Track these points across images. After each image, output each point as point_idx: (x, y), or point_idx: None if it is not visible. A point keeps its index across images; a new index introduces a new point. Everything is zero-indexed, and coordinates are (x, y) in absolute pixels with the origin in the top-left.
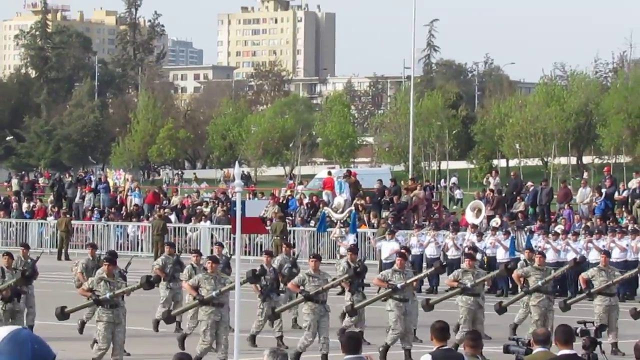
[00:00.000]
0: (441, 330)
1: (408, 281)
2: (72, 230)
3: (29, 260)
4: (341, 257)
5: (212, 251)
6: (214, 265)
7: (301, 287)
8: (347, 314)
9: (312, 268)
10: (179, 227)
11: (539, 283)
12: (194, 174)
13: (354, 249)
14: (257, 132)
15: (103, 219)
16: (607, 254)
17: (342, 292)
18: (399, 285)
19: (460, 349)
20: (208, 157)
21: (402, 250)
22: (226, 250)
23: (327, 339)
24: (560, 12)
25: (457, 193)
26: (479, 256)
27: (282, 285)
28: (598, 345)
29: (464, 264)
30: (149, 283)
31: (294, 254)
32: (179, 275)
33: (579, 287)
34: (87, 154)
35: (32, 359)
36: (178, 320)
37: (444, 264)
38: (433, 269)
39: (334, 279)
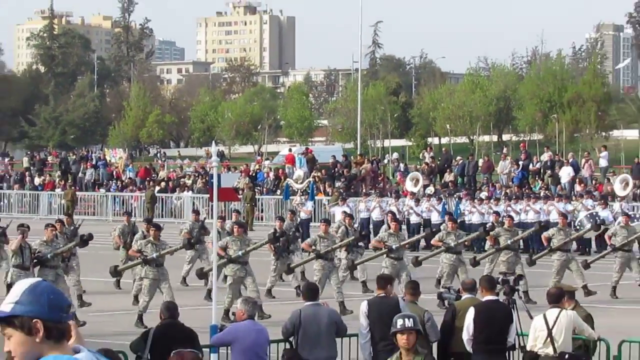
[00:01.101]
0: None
1: (402, 243)
2: (76, 199)
3: (72, 227)
4: (301, 220)
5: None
6: (240, 229)
7: (313, 247)
8: (348, 269)
9: (323, 230)
10: (165, 197)
11: (508, 242)
12: (178, 152)
13: (350, 215)
14: (231, 117)
15: (102, 189)
16: (564, 216)
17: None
18: (394, 246)
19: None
20: (189, 138)
21: (397, 216)
22: (204, 216)
23: (340, 289)
24: (483, 12)
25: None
26: (417, 219)
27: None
28: (516, 292)
29: (448, 227)
30: (190, 244)
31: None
32: (204, 238)
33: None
34: (88, 136)
35: (47, 307)
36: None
37: (433, 230)
38: (425, 233)
39: (341, 240)
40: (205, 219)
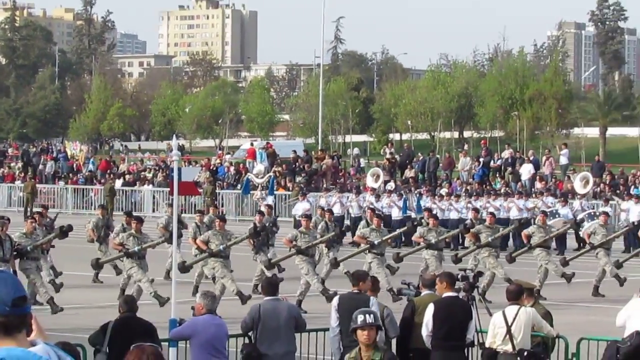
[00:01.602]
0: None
1: (384, 238)
2: (36, 192)
3: (49, 219)
4: (259, 212)
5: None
6: (222, 223)
7: (294, 242)
8: (331, 266)
9: (304, 226)
10: (125, 190)
11: (489, 239)
12: (138, 145)
13: (331, 210)
14: (192, 111)
15: (61, 182)
16: (545, 214)
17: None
18: (376, 242)
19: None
20: (150, 131)
21: (379, 212)
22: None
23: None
24: (445, 9)
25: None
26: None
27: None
28: (476, 289)
29: (430, 223)
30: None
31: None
32: (181, 232)
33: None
34: (49, 129)
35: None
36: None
37: (415, 223)
38: (405, 227)
39: (322, 236)
40: (182, 212)
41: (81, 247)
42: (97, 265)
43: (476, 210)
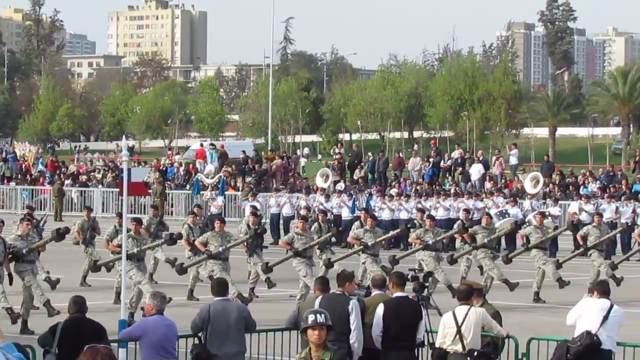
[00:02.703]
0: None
1: (378, 239)
2: None
3: (35, 220)
4: (211, 215)
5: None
6: (222, 224)
7: (290, 244)
8: (325, 267)
9: (300, 228)
10: (75, 191)
11: (485, 240)
12: (85, 145)
13: (255, 213)
14: (141, 111)
15: (12, 183)
16: (542, 214)
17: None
18: (369, 243)
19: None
20: (100, 132)
21: (373, 212)
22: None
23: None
24: (395, 9)
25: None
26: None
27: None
28: (425, 289)
29: (426, 224)
30: (172, 240)
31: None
32: (162, 233)
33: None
34: None
35: None
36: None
37: (409, 226)
38: (399, 229)
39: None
40: (163, 214)
41: (67, 249)
42: (95, 268)
43: (467, 211)
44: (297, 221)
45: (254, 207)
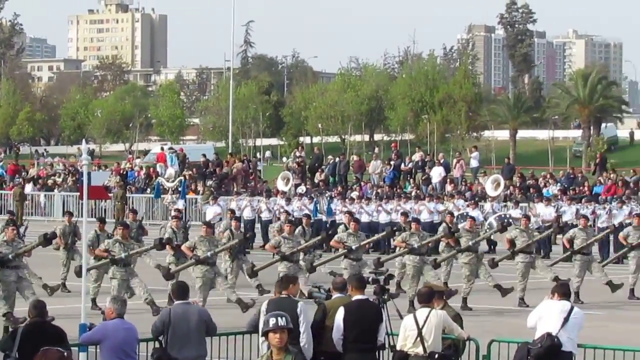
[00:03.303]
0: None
1: (361, 243)
2: None
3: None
4: (235, 218)
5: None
6: (209, 229)
7: (277, 249)
8: (307, 271)
9: (287, 232)
10: (35, 195)
11: (470, 243)
12: (45, 149)
13: (237, 218)
14: (102, 115)
15: None
16: (527, 217)
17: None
18: (353, 247)
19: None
20: (60, 136)
21: (356, 216)
22: (141, 215)
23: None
24: (355, 12)
25: (262, 166)
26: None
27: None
28: (387, 291)
29: (412, 228)
30: (162, 244)
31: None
32: (142, 238)
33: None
34: None
35: None
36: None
37: (394, 229)
38: (384, 232)
39: (306, 242)
40: (142, 218)
41: (41, 254)
42: (81, 273)
43: (451, 214)
44: (276, 225)
45: (232, 210)
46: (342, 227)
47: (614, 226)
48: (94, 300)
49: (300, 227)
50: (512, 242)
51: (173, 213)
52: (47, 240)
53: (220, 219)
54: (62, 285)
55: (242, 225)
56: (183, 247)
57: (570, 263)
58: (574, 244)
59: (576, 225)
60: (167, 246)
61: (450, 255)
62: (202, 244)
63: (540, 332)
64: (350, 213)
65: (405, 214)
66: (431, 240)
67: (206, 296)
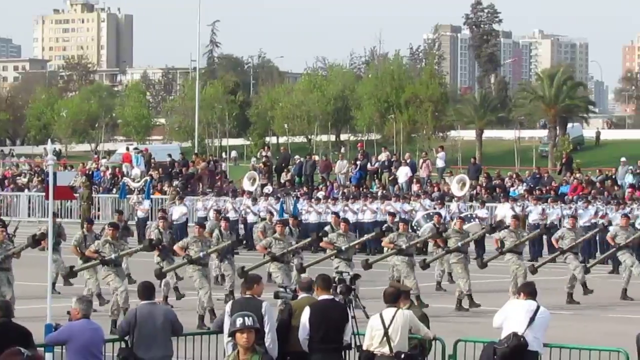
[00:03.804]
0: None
1: (351, 244)
2: None
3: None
4: (139, 219)
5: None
6: (201, 229)
7: (268, 249)
8: (297, 272)
9: (279, 232)
10: (2, 196)
11: (459, 244)
12: (11, 149)
13: (227, 218)
14: (67, 115)
15: None
16: (516, 218)
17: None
18: (343, 248)
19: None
20: (26, 136)
21: (345, 217)
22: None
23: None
24: (322, 12)
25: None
26: (253, 218)
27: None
28: (353, 291)
29: (400, 228)
30: (151, 246)
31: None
32: (126, 239)
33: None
34: None
35: None
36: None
37: (384, 230)
38: (374, 233)
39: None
40: (128, 220)
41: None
42: (72, 274)
43: (393, 214)
44: (260, 226)
45: (218, 211)
46: (328, 227)
47: (603, 225)
48: (99, 295)
49: (287, 228)
50: (501, 242)
51: (159, 214)
52: (35, 241)
53: (187, 219)
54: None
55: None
56: (175, 247)
57: (560, 263)
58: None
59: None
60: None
61: (439, 255)
62: (195, 244)
63: (506, 332)
64: (336, 214)
65: (393, 214)
66: (419, 240)
67: (208, 286)
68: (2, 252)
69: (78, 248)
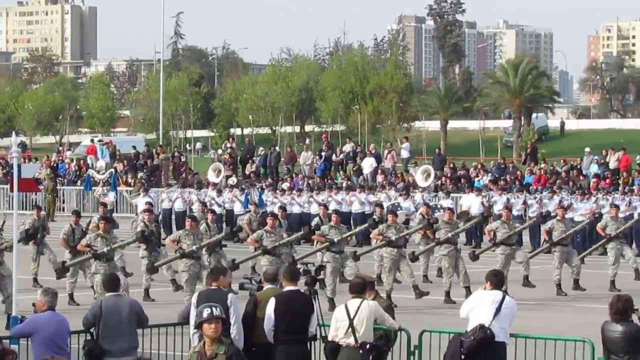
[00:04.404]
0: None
1: (343, 236)
2: None
3: None
4: (211, 211)
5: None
6: (193, 223)
7: (259, 242)
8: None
9: (270, 225)
10: None
11: (449, 235)
12: None
13: (213, 211)
14: (32, 107)
15: None
16: (509, 209)
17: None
18: (335, 240)
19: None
20: None
21: (337, 208)
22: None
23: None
24: (285, 2)
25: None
26: (219, 209)
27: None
28: (318, 282)
29: (389, 220)
30: (144, 237)
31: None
32: (112, 231)
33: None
34: None
35: None
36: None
37: (377, 221)
38: (368, 224)
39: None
40: (112, 211)
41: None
42: (64, 269)
43: (381, 206)
44: (245, 218)
45: (203, 203)
46: (317, 219)
47: (594, 216)
48: (71, 296)
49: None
50: (493, 234)
51: (145, 207)
52: (29, 235)
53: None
54: (33, 280)
55: (173, 218)
56: (167, 241)
57: (550, 255)
58: (552, 235)
59: (555, 216)
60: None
61: (428, 247)
62: (187, 237)
63: (472, 324)
64: (325, 206)
65: (380, 206)
66: (409, 232)
67: (193, 290)
68: None
69: (66, 240)
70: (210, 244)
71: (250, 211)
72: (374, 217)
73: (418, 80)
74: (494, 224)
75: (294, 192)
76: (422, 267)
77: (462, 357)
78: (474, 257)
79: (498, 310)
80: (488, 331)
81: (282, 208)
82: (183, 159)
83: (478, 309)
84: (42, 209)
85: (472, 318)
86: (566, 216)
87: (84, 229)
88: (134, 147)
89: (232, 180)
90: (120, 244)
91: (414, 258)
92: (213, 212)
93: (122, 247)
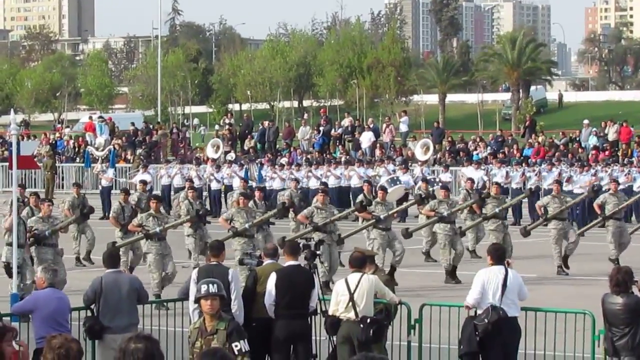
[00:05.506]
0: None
1: (390, 212)
2: None
3: (26, 199)
4: (103, 187)
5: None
6: (246, 200)
7: (309, 219)
8: (404, 237)
9: (320, 202)
10: None
11: (496, 210)
12: None
13: (192, 187)
14: (30, 85)
15: None
16: (559, 183)
17: None
18: (382, 217)
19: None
20: None
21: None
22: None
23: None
24: None
25: (202, 129)
26: (217, 185)
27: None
28: (317, 257)
29: (440, 195)
30: (198, 216)
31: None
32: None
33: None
34: None
35: None
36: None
37: (423, 197)
38: (413, 200)
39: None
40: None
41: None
42: (115, 249)
43: (427, 181)
44: (235, 195)
45: (190, 179)
46: (361, 195)
47: (593, 189)
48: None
49: (252, 201)
50: (544, 209)
51: (187, 184)
52: (83, 215)
53: (151, 188)
54: (75, 259)
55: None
56: (221, 220)
57: (604, 229)
58: (605, 209)
59: (607, 190)
60: (112, 220)
61: (476, 222)
62: (239, 215)
63: (483, 305)
64: (369, 182)
65: (425, 181)
66: (461, 207)
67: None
68: (49, 226)
69: (116, 219)
70: (263, 221)
71: (290, 187)
72: (420, 192)
73: (416, 54)
74: (544, 198)
75: (293, 167)
76: (470, 242)
77: (478, 339)
78: (525, 233)
79: (504, 285)
80: (501, 311)
81: (260, 188)
82: (181, 135)
83: (486, 290)
84: (81, 186)
85: (482, 300)
86: (566, 189)
87: (132, 207)
88: (133, 124)
89: (231, 156)
90: (173, 224)
91: (407, 235)
92: (194, 189)
93: (174, 227)
